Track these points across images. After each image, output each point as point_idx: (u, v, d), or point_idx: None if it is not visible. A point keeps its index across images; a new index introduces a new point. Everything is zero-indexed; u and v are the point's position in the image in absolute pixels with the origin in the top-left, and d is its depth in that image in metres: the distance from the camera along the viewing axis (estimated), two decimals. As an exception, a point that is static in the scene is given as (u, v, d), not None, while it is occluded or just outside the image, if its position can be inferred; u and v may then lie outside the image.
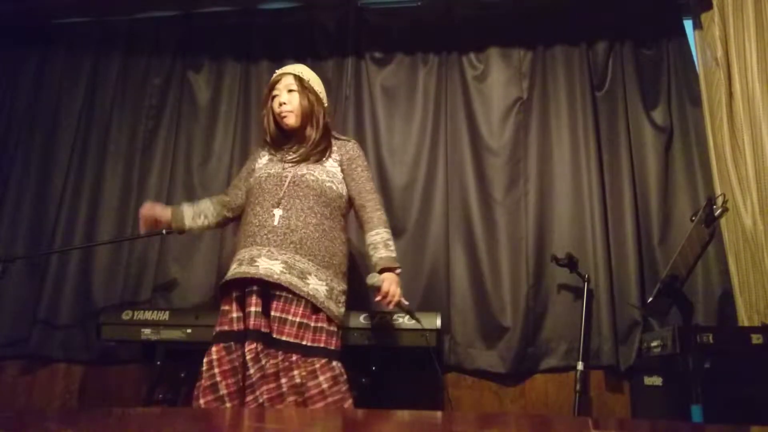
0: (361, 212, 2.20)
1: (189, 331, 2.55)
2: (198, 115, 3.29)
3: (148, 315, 2.61)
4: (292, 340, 1.95)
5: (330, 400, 1.93)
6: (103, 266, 3.07)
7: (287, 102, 2.21)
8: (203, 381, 1.95)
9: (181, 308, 2.84)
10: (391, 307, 2.09)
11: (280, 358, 1.93)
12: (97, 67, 3.42)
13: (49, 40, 3.49)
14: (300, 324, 1.97)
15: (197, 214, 2.36)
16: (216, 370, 1.95)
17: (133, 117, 3.32)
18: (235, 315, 2.02)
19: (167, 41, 3.43)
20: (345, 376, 2.01)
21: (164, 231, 2.53)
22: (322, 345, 1.99)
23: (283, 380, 1.92)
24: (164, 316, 2.60)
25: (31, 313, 3.00)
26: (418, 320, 2.23)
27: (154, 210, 2.36)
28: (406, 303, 2.13)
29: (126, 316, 2.62)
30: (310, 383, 1.93)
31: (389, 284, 2.07)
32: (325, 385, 1.94)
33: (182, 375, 2.55)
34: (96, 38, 3.47)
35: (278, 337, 1.95)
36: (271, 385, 1.91)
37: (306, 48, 3.32)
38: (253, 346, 1.93)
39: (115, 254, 3.09)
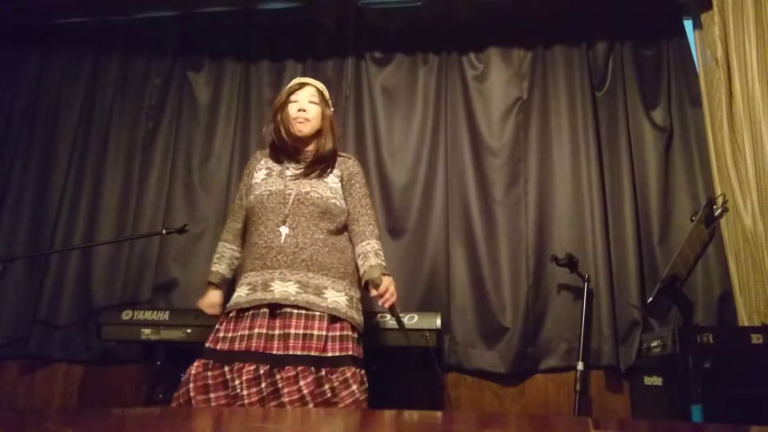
0: (353, 225, 2.19)
1: (189, 331, 2.55)
2: (198, 115, 3.29)
3: (148, 315, 2.61)
4: (319, 354, 1.95)
5: (363, 406, 1.96)
6: (103, 266, 3.07)
7: (307, 110, 2.19)
8: (180, 395, 1.95)
9: (181, 308, 2.84)
10: (386, 306, 2.07)
11: (314, 374, 1.92)
12: (97, 67, 3.42)
13: (49, 40, 3.49)
14: (326, 337, 1.97)
15: (230, 263, 2.28)
16: (191, 386, 1.93)
17: (133, 117, 3.33)
18: (222, 335, 2.00)
19: (167, 41, 3.43)
20: (366, 384, 2.02)
21: (164, 231, 2.52)
22: (350, 353, 2.00)
23: (309, 399, 1.90)
24: (164, 316, 2.60)
25: (31, 313, 3.01)
26: (404, 328, 2.23)
27: (210, 302, 2.23)
28: (397, 311, 2.13)
29: (126, 316, 2.62)
30: (344, 393, 1.93)
31: (389, 283, 2.06)
32: (358, 394, 1.95)
33: (182, 375, 2.55)
34: (96, 38, 3.47)
35: (305, 353, 1.94)
36: (312, 404, 1.89)
37: (306, 48, 3.32)
38: (252, 368, 1.90)
39: (115, 254, 3.09)
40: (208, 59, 3.38)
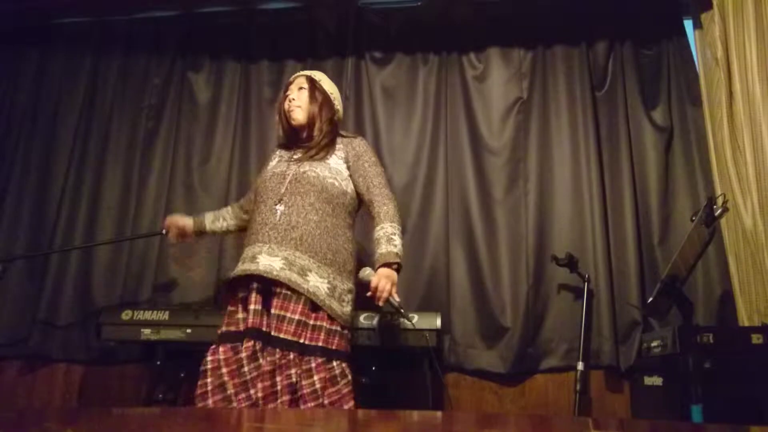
0: (369, 208, 2.19)
1: (189, 331, 2.55)
2: (198, 115, 3.29)
3: (148, 315, 2.61)
4: (290, 338, 1.93)
5: (325, 401, 1.91)
6: (103, 266, 3.07)
7: (296, 98, 2.28)
8: (211, 381, 1.93)
9: (181, 308, 2.84)
10: (380, 303, 2.04)
11: (277, 356, 1.92)
12: (97, 67, 3.43)
13: (49, 39, 3.49)
14: (299, 322, 1.96)
15: (216, 217, 2.50)
16: (224, 370, 1.93)
17: (133, 117, 3.33)
18: (240, 316, 2.02)
19: (167, 41, 3.43)
20: (348, 378, 1.98)
21: (164, 231, 2.54)
22: (320, 344, 1.96)
23: (278, 378, 1.90)
24: (164, 316, 2.60)
25: (31, 313, 3.01)
26: (408, 319, 2.22)
27: (176, 219, 2.52)
28: (397, 300, 2.06)
29: (126, 316, 2.62)
30: (304, 382, 1.91)
31: (379, 279, 2.03)
32: (318, 385, 1.91)
33: (182, 375, 2.56)
34: (96, 38, 3.47)
35: (276, 334, 1.94)
36: (267, 383, 1.89)
37: (306, 48, 3.33)
38: (251, 344, 1.93)
39: (115, 254, 3.09)
40: (208, 59, 3.38)
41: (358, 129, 3.16)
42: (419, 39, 3.27)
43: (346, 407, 1.95)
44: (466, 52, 3.23)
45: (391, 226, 2.12)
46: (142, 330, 2.58)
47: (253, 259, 2.02)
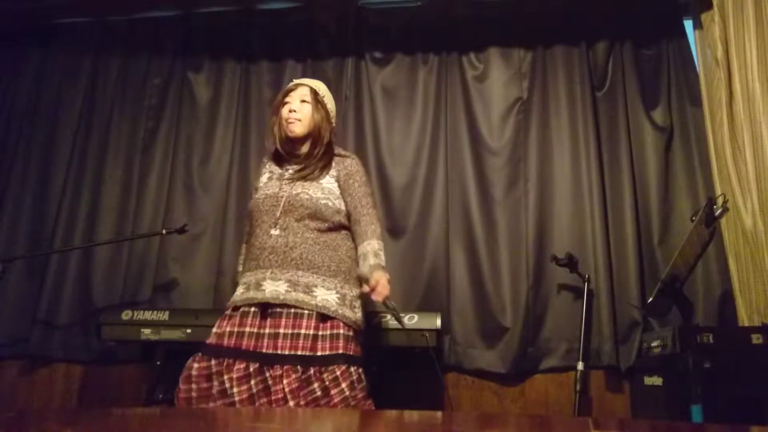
0: (355, 227, 2.20)
1: (189, 331, 2.55)
2: (198, 115, 3.29)
3: (148, 315, 2.61)
4: (308, 353, 1.96)
5: (352, 404, 1.94)
6: (103, 266, 3.07)
7: (297, 110, 2.21)
8: (194, 387, 1.97)
9: (181, 308, 2.84)
10: (378, 299, 2.05)
11: (299, 373, 1.93)
12: (97, 67, 3.43)
13: (49, 40, 3.49)
14: (314, 336, 1.98)
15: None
16: (180, 377, 1.99)
17: (133, 117, 3.33)
18: (214, 330, 2.04)
19: (167, 41, 3.43)
20: (363, 383, 2.01)
21: (164, 231, 2.50)
22: (340, 351, 1.99)
23: (302, 393, 1.92)
24: (164, 316, 2.60)
25: (31, 313, 3.00)
26: (401, 323, 2.23)
27: None
28: (393, 303, 2.10)
29: (126, 316, 2.62)
30: (333, 391, 1.93)
31: (379, 277, 2.04)
32: (347, 392, 1.94)
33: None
34: (96, 38, 3.47)
35: (292, 352, 1.95)
36: (293, 402, 1.90)
37: (306, 48, 3.33)
38: (243, 366, 1.93)
39: (115, 254, 3.09)
40: (208, 59, 3.38)
41: (358, 129, 3.16)
42: (419, 39, 3.27)
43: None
44: (466, 52, 3.23)
45: (378, 243, 2.17)
46: (142, 330, 2.58)
47: (258, 286, 2.03)
